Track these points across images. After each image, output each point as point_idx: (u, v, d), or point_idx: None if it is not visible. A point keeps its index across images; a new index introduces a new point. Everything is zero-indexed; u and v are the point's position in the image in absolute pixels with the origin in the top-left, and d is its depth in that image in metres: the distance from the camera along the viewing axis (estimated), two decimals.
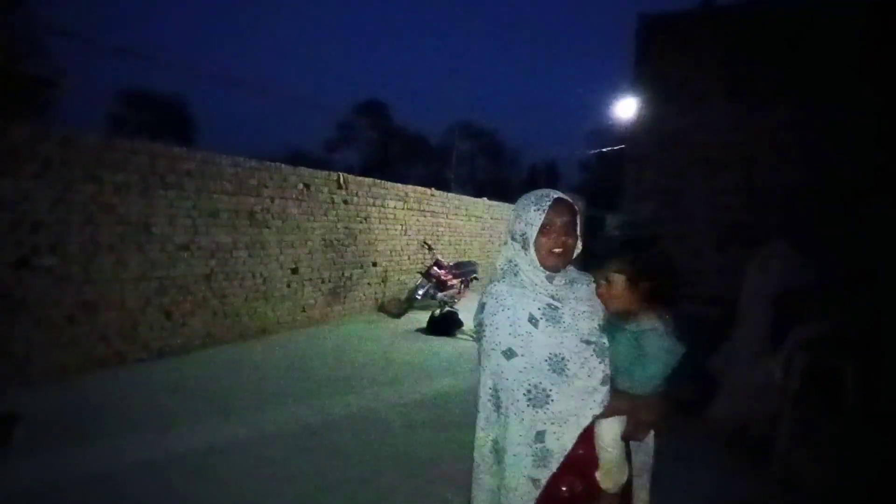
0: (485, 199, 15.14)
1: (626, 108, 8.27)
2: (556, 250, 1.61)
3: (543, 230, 1.61)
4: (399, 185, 10.79)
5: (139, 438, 3.94)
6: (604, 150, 22.02)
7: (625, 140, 7.08)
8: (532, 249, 1.62)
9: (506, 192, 23.49)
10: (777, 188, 5.24)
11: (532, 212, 1.62)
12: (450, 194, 13.35)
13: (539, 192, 1.69)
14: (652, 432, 1.74)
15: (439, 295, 9.47)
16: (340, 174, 9.03)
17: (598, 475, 1.65)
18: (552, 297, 1.63)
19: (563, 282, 1.68)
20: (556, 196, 1.65)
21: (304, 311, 8.24)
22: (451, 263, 10.55)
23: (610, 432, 1.63)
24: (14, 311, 4.86)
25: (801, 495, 3.46)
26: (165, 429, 4.13)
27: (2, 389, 4.46)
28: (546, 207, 1.61)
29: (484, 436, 1.67)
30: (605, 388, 1.59)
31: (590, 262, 1.76)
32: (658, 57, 5.95)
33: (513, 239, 1.68)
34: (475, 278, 10.93)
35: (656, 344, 1.63)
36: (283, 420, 4.47)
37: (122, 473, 3.43)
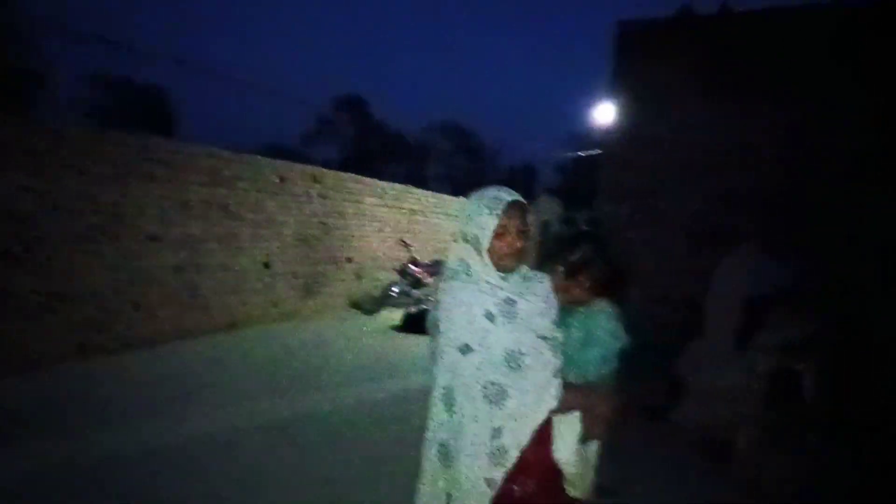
0: (462, 197, 15.15)
1: (604, 112, 8.37)
2: (511, 254, 1.60)
3: (497, 235, 1.59)
4: (377, 181, 10.73)
5: (108, 432, 3.89)
6: (581, 153, 22.20)
7: (603, 143, 7.15)
8: (485, 253, 1.60)
9: None
10: (751, 193, 5.34)
11: (485, 216, 1.59)
12: (427, 192, 13.33)
13: (491, 193, 1.65)
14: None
15: (414, 292, 9.44)
16: (317, 168, 8.95)
17: (564, 485, 1.67)
18: (508, 293, 1.62)
19: (518, 279, 1.67)
20: (509, 200, 1.61)
21: (275, 305, 8.15)
22: (427, 262, 10.51)
23: (568, 448, 1.63)
24: None
25: (763, 498, 3.52)
26: (133, 422, 4.08)
27: None
28: (500, 212, 1.58)
29: (431, 437, 1.62)
30: (558, 381, 1.59)
31: (543, 259, 1.77)
32: (636, 63, 6.01)
33: (464, 240, 1.65)
34: None
35: (603, 325, 1.70)
36: (252, 415, 4.42)
37: (91, 467, 3.38)
